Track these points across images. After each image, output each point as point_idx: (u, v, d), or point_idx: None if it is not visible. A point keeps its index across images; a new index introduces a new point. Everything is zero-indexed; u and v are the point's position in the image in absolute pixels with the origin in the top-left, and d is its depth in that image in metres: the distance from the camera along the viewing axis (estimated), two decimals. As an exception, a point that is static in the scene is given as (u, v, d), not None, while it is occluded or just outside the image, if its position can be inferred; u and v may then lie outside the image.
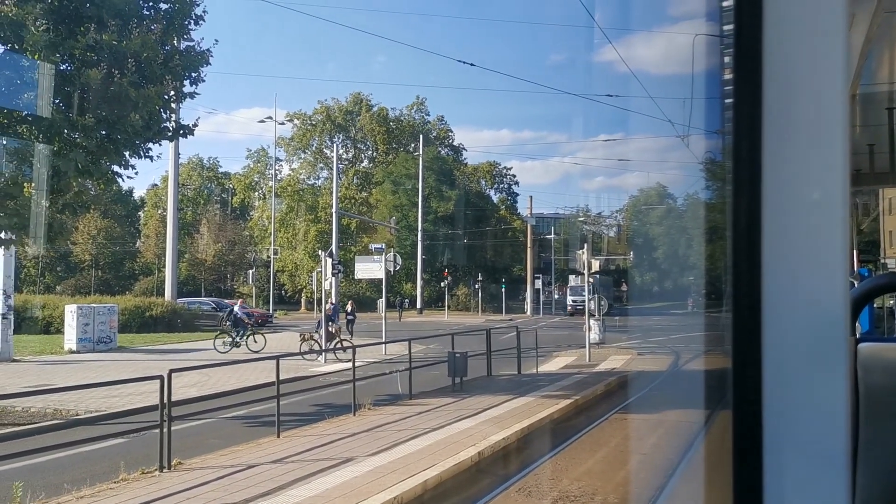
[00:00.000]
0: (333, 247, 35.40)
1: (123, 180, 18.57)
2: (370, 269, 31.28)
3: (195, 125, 17.89)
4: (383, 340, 27.10)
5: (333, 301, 30.94)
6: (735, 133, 0.84)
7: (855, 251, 20.59)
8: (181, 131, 17.74)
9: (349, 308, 36.43)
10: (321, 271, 29.42)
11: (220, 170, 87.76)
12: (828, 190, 0.81)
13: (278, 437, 11.70)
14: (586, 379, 18.55)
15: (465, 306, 64.83)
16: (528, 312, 59.99)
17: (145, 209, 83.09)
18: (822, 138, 0.82)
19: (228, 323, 30.40)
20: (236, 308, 30.60)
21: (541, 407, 13.94)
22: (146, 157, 17.17)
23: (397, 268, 32.35)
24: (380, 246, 31.53)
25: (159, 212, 74.06)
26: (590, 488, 9.28)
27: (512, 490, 9.25)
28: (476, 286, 60.76)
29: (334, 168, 39.55)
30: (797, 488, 0.79)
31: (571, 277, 60.82)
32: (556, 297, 69.18)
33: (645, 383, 18.93)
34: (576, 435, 12.36)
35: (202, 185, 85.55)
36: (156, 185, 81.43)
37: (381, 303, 31.03)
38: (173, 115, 17.81)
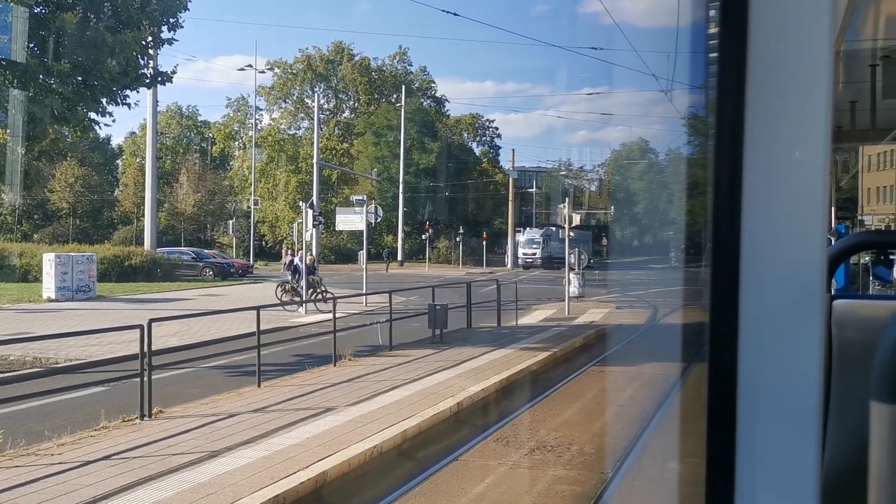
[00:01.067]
0: (314, 198, 35.20)
1: (101, 128, 18.64)
2: (351, 220, 31.26)
3: (173, 72, 17.62)
4: (364, 292, 27.21)
5: (314, 253, 30.93)
6: (719, 88, 0.84)
7: (833, 208, 20.84)
8: (159, 78, 17.45)
9: (309, 260, 34.42)
10: (302, 222, 29.34)
11: (200, 118, 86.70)
12: (809, 147, 0.81)
13: (259, 386, 11.77)
14: (565, 332, 18.74)
15: (446, 259, 64.92)
16: (509, 265, 60.22)
17: (123, 157, 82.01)
18: (805, 95, 0.82)
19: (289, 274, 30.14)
20: (296, 260, 30.13)
21: (519, 359, 14.09)
22: (123, 104, 16.93)
23: (378, 219, 32.31)
24: (361, 197, 31.40)
25: (138, 160, 73.12)
26: (566, 438, 9.45)
27: (490, 440, 9.40)
28: (457, 239, 60.82)
29: (315, 118, 39.06)
30: (769, 439, 0.80)
31: (524, 230, 60.64)
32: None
33: (623, 336, 19.14)
34: (554, 387, 12.53)
35: (181, 134, 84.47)
36: (134, 133, 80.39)
37: (362, 254, 31.01)
38: (151, 62, 17.49)
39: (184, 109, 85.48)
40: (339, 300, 26.21)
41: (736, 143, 0.83)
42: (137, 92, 17.40)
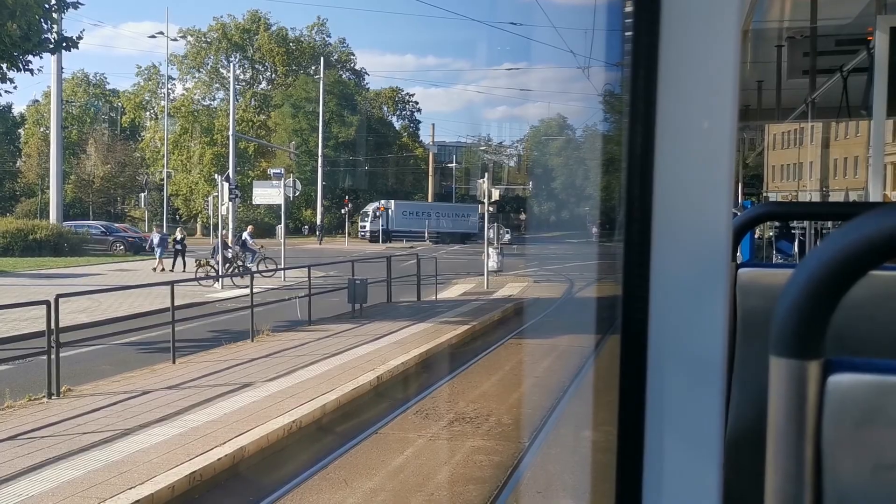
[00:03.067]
0: (231, 171, 34.43)
1: (1, 95, 17.48)
2: (269, 194, 30.76)
3: (79, 38, 16.88)
4: (282, 267, 26.90)
5: (230, 226, 30.30)
6: (633, 65, 0.86)
7: (740, 184, 21.50)
8: (63, 43, 16.70)
9: (177, 236, 31.45)
10: (217, 196, 28.68)
11: (108, 87, 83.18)
12: (717, 122, 0.83)
13: (174, 363, 11.54)
14: (483, 306, 18.96)
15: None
16: (427, 240, 60.36)
17: (26, 126, 78.26)
18: (714, 73, 0.84)
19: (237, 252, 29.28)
20: (245, 235, 29.38)
21: (438, 333, 14.19)
22: (26, 70, 16.19)
23: (297, 193, 31.85)
24: (279, 171, 30.92)
25: (41, 129, 70.07)
26: (485, 410, 9.60)
27: (410, 412, 9.48)
28: (379, 213, 60.52)
29: (231, 89, 38.08)
30: (676, 399, 0.83)
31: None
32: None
33: (540, 310, 19.47)
34: (472, 359, 12.68)
35: (88, 103, 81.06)
36: (37, 101, 76.64)
37: (280, 229, 30.59)
38: (55, 26, 16.70)
39: (91, 77, 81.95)
40: (256, 276, 26.07)
41: (648, 120, 0.85)
42: (41, 58, 16.66)
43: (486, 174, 25.16)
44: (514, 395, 10.68)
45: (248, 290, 23.74)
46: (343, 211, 57.48)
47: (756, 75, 9.73)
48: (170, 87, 73.24)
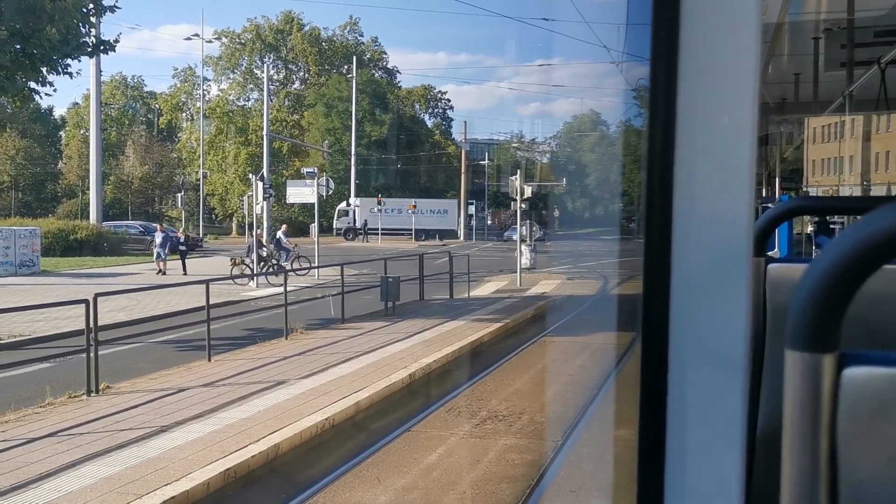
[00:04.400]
0: (265, 170, 34.78)
1: (41, 98, 17.84)
2: (302, 193, 31.01)
3: (116, 41, 17.14)
4: (316, 265, 27.10)
5: (264, 225, 30.57)
6: (652, 60, 0.86)
7: (777, 179, 21.06)
8: (101, 47, 16.98)
9: (181, 237, 31.55)
10: (252, 195, 28.98)
11: (146, 89, 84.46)
12: (737, 117, 0.84)
13: (209, 360, 11.67)
14: (516, 303, 18.92)
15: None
16: (462, 238, 60.38)
17: (66, 129, 79.69)
18: (734, 66, 0.84)
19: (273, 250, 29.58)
20: (279, 234, 29.65)
21: (471, 330, 14.19)
22: (65, 73, 16.47)
23: (330, 192, 32.03)
24: (312, 170, 31.12)
25: (81, 132, 71.27)
26: (517, 408, 9.58)
27: (442, 410, 9.49)
28: (409, 211, 60.64)
29: (265, 89, 38.38)
30: (698, 395, 0.83)
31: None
32: (490, 223, 69.95)
33: (573, 307, 19.41)
34: (505, 357, 12.66)
35: (126, 105, 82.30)
36: (77, 103, 78.04)
37: (314, 227, 30.81)
38: (93, 30, 16.98)
39: (129, 80, 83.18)
40: (290, 273, 26.29)
41: (668, 116, 0.85)
42: (79, 61, 16.92)
43: (518, 171, 25.07)
44: (547, 393, 10.65)
45: (282, 289, 24.20)
46: (375, 210, 57.69)
47: (793, 68, 9.57)
48: (205, 88, 74.16)
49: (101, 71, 40.06)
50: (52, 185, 73.09)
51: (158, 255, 28.76)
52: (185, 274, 26.96)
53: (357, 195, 63.29)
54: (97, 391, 9.58)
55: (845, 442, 0.63)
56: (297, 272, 27.61)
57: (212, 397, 9.21)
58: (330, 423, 8.30)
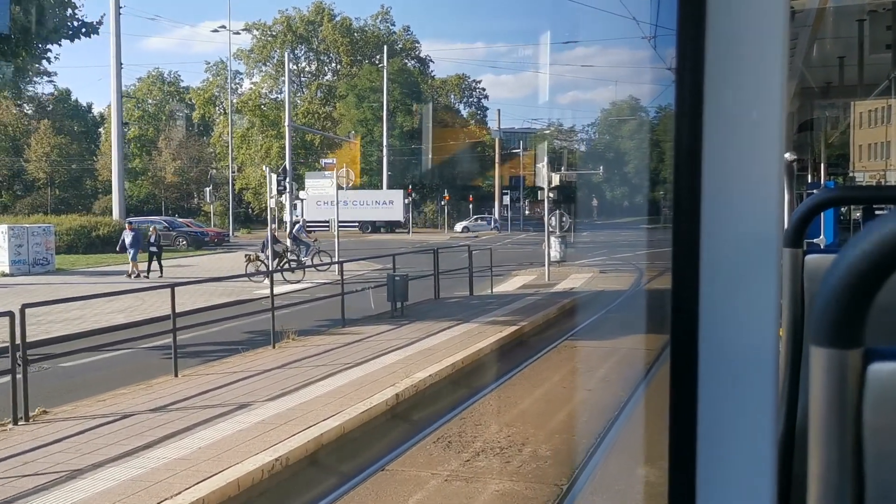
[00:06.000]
0: (287, 162, 33.52)
1: (36, 84, 16.71)
2: (321, 185, 29.51)
3: (100, 23, 15.79)
4: (336, 260, 25.79)
5: (298, 219, 29.22)
6: (679, 42, 0.85)
7: (823, 164, 20.81)
8: (83, 30, 15.65)
9: (150, 236, 27.23)
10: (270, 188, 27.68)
11: (182, 84, 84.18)
12: (765, 105, 0.84)
13: (176, 376, 10.25)
14: (539, 301, 17.24)
15: (434, 223, 63.42)
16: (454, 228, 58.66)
17: (105, 125, 79.87)
18: (763, 47, 0.83)
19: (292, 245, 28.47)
20: (298, 227, 28.50)
21: (482, 335, 12.57)
22: (44, 58, 15.30)
23: (350, 184, 30.56)
24: (331, 160, 29.72)
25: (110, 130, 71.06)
26: (519, 437, 7.98)
27: (428, 440, 7.92)
28: (442, 203, 59.14)
29: (286, 77, 37.28)
30: (727, 403, 0.82)
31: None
32: (527, 213, 68.24)
33: (602, 305, 17.60)
34: (516, 369, 11.02)
35: (163, 100, 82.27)
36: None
37: (334, 220, 29.40)
38: (74, 12, 15.67)
39: (165, 75, 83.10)
40: (309, 269, 24.92)
41: (696, 108, 0.84)
42: (59, 45, 15.61)
43: (545, 159, 23.30)
44: (559, 415, 9.01)
45: (298, 286, 22.94)
46: (406, 201, 56.13)
47: (837, 51, 9.46)
48: (237, 82, 73.79)
49: (121, 62, 39.11)
50: (92, 182, 72.98)
51: (133, 255, 26.63)
52: (161, 276, 25.44)
53: (390, 187, 61.96)
54: (27, 419, 8.19)
55: (871, 437, 0.63)
56: (318, 268, 26.37)
57: (153, 427, 7.75)
58: (281, 464, 6.78)
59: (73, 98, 78.96)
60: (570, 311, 16.33)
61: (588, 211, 65.90)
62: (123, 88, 73.61)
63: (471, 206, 58.94)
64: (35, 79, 72.43)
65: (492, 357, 11.58)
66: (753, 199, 0.82)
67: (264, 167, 28.48)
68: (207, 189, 57.37)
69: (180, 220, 46.61)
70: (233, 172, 58.17)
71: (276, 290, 22.79)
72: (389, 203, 53.26)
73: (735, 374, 0.81)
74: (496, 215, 62.44)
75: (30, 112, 72.04)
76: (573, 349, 12.70)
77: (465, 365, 10.82)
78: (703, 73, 0.82)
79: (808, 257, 1.49)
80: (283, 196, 27.43)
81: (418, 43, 77.99)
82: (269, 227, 25.67)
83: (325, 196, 29.21)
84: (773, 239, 0.82)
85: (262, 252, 26.21)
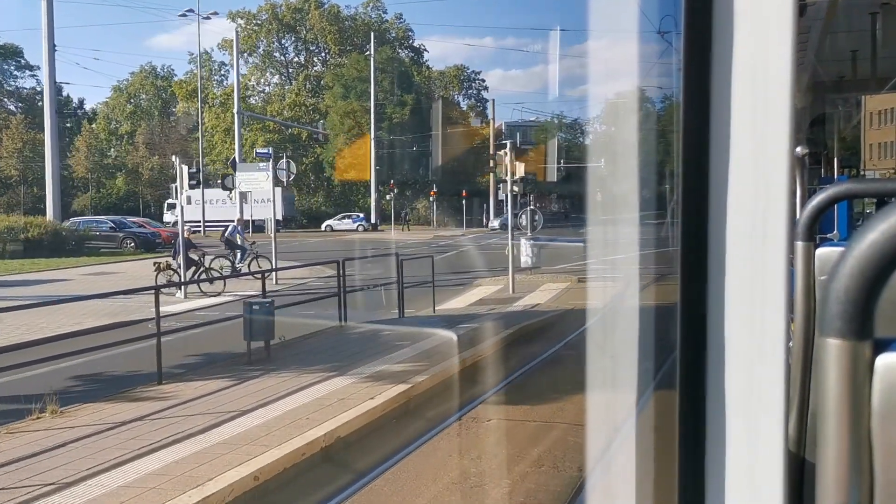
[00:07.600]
0: (236, 155, 29.34)
1: None
2: (254, 179, 24.95)
3: None
4: (274, 268, 21.80)
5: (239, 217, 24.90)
6: (686, 37, 0.83)
7: (836, 159, 20.02)
8: None
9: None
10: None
11: (176, 79, 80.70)
12: (772, 101, 0.82)
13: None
14: (483, 328, 12.74)
15: (426, 220, 59.37)
16: (487, 226, 54.29)
17: (96, 121, 76.78)
18: (769, 42, 0.83)
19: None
20: (231, 229, 24.50)
21: (341, 406, 8.08)
22: None
23: (291, 178, 26.05)
24: (266, 151, 25.37)
25: (111, 125, 69.05)
26: None
27: None
28: (430, 199, 54.92)
29: (234, 56, 33.00)
30: (738, 376, 0.82)
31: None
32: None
33: (564, 331, 12.97)
34: (351, 487, 6.49)
35: (156, 95, 79.07)
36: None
37: (271, 221, 25.13)
38: None
39: (159, 69, 79.88)
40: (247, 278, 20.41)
41: (703, 104, 0.83)
42: None
43: (508, 145, 18.83)
44: None
45: (216, 300, 18.70)
46: (388, 197, 51.68)
47: (849, 45, 9.43)
48: (223, 73, 70.67)
49: (54, 46, 35.01)
50: (69, 178, 69.40)
51: None
52: None
53: (378, 182, 57.81)
54: None
55: (880, 427, 0.64)
56: (256, 276, 21.88)
57: None
58: None
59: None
60: (514, 344, 11.85)
61: (580, 206, 61.45)
62: (115, 83, 71.00)
63: (463, 202, 54.60)
64: (16, 73, 69.66)
65: (322, 456, 6.99)
66: (762, 193, 0.82)
67: (173, 157, 24.11)
68: (174, 185, 53.25)
69: (131, 219, 42.34)
70: (202, 167, 53.99)
71: (191, 304, 18.56)
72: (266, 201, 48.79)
73: (745, 369, 0.80)
74: (491, 212, 58.10)
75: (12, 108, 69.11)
76: (484, 425, 8.14)
77: (275, 473, 6.32)
78: (710, 67, 0.82)
79: (820, 250, 1.51)
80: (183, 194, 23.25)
81: (412, 31, 73.93)
82: (180, 230, 21.35)
83: (262, 192, 24.91)
84: (782, 233, 0.82)
85: (174, 259, 21.98)
